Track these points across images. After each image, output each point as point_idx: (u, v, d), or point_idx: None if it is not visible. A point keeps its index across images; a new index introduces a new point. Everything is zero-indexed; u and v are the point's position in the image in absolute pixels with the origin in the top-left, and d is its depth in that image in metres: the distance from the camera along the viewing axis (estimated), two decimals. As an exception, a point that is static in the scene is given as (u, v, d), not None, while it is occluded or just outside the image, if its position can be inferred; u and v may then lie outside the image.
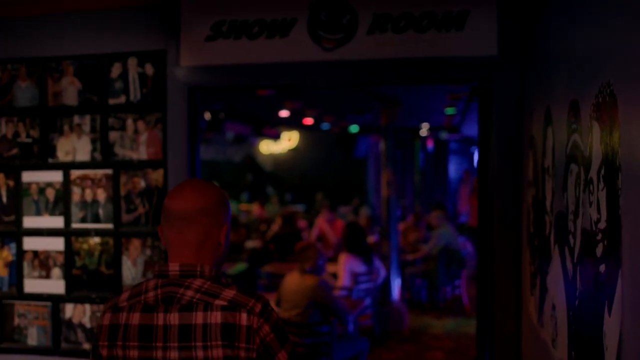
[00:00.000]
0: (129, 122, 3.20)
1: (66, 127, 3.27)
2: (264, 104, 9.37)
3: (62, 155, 3.28)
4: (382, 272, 6.95)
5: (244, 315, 1.50)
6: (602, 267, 1.40)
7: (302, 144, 16.23)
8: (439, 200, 13.58)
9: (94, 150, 3.25)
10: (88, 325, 3.26)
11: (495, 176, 2.95)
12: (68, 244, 3.29)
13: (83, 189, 3.27)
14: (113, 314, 1.58)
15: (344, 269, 6.36)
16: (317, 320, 4.59)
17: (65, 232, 3.29)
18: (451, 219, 12.62)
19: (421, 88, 7.13)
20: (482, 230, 3.17)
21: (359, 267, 6.43)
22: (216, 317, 1.49)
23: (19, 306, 3.33)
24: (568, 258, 1.79)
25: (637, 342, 1.20)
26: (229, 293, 1.53)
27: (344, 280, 6.34)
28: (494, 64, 2.89)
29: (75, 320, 3.28)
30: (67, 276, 3.29)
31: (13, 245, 3.33)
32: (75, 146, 3.27)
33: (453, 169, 17.62)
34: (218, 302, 1.51)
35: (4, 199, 3.34)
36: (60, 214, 3.30)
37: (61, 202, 3.29)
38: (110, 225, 3.24)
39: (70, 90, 3.26)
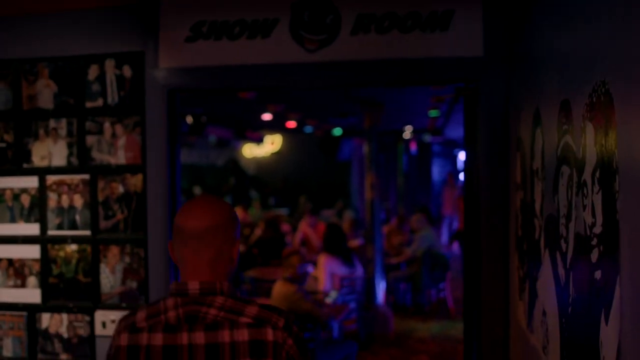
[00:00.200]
0: (107, 125, 3.11)
1: (41, 131, 3.17)
2: (246, 107, 9.28)
3: (37, 160, 3.18)
4: (359, 270, 6.89)
5: (270, 331, 1.52)
6: (598, 273, 1.35)
7: (285, 147, 16.15)
8: (423, 203, 13.57)
9: (70, 154, 3.15)
10: (65, 335, 3.16)
11: (481, 179, 2.90)
12: (44, 251, 3.19)
13: (59, 195, 3.17)
14: (131, 334, 1.56)
15: (324, 271, 6.30)
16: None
17: (41, 240, 3.19)
18: (435, 221, 12.61)
19: (404, 90, 7.09)
20: (468, 234, 3.12)
21: (340, 268, 6.38)
22: (243, 335, 1.51)
23: (-7, 316, 3.22)
24: (560, 263, 1.73)
25: (638, 351, 1.15)
26: (252, 310, 1.55)
27: (324, 282, 6.26)
28: (479, 64, 2.85)
29: (52, 331, 3.18)
30: (43, 285, 3.19)
31: (-13, 254, 3.23)
32: (51, 151, 3.17)
33: (436, 171, 17.64)
34: (243, 319, 1.53)
35: (-23, 206, 3.23)
36: (35, 221, 3.20)
37: (37, 209, 3.19)
38: (87, 232, 3.15)
39: (45, 93, 3.17)
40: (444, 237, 15.10)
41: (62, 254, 3.17)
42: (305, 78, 3.04)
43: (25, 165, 3.19)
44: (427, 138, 15.05)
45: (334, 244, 6.56)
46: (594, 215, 1.38)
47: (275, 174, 17.03)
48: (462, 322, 7.55)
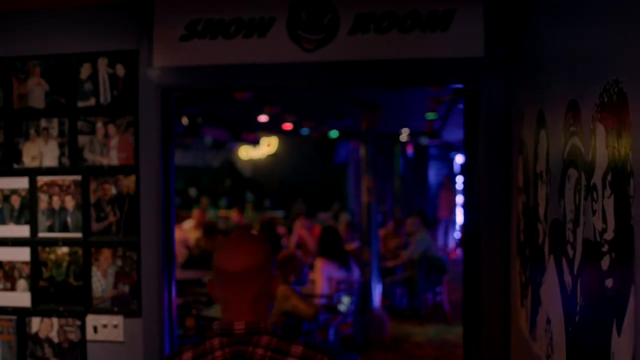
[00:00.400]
0: (99, 125, 3.04)
1: (32, 131, 3.10)
2: (242, 108, 9.22)
3: (28, 161, 3.11)
4: (356, 273, 6.83)
5: None
6: (610, 282, 1.28)
7: (282, 149, 16.09)
8: (420, 207, 13.52)
9: (61, 155, 3.08)
10: (55, 340, 3.09)
11: (482, 182, 2.84)
12: (34, 254, 3.11)
13: (50, 196, 3.09)
14: None
15: (321, 275, 6.23)
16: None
17: (32, 242, 3.12)
18: (431, 224, 12.56)
19: (402, 92, 7.03)
20: (468, 238, 3.06)
21: (336, 272, 6.31)
22: None
23: (-18, 320, 3.14)
24: (566, 269, 1.67)
25: (654, 366, 1.09)
26: (297, 349, 1.58)
27: (322, 287, 6.20)
28: (480, 65, 2.79)
29: (42, 335, 3.11)
30: (34, 288, 3.11)
31: (-25, 256, 3.15)
32: (42, 151, 3.10)
33: (433, 174, 17.60)
34: (290, 359, 1.56)
35: (-34, 207, 3.16)
36: (26, 223, 3.12)
37: (27, 210, 3.12)
38: (79, 235, 3.07)
39: (36, 92, 3.09)
40: (440, 240, 15.06)
41: (52, 256, 3.10)
42: (302, 78, 2.97)
43: (15, 166, 3.11)
44: (424, 141, 15.01)
45: (331, 247, 6.49)
46: (604, 221, 1.32)
47: (271, 176, 16.97)
48: (459, 326, 7.51)
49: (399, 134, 13.55)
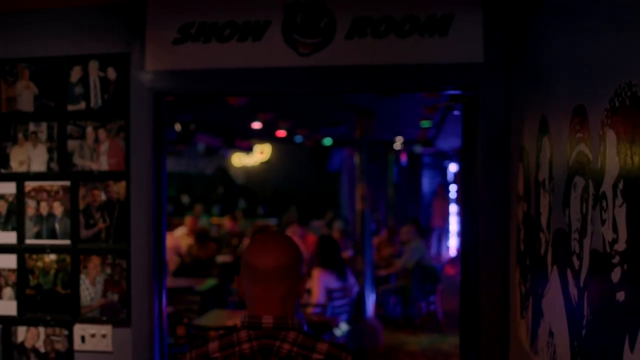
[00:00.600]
0: (89, 130, 2.97)
1: (20, 135, 3.02)
2: (235, 115, 9.16)
3: (15, 166, 3.03)
4: (355, 288, 6.74)
5: None
6: (621, 295, 1.22)
7: (275, 156, 16.02)
8: (413, 215, 13.47)
9: (50, 160, 3.00)
10: (42, 350, 3.01)
11: (480, 190, 2.78)
12: (21, 261, 3.03)
13: (38, 202, 3.02)
14: None
15: (318, 284, 6.14)
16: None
17: (18, 249, 3.04)
18: (425, 233, 12.50)
19: (397, 99, 6.98)
20: (465, 248, 3.00)
21: (333, 282, 6.21)
22: None
23: (-34, 329, 3.06)
24: (571, 281, 1.61)
25: (672, 385, 1.02)
26: (323, 346, 1.62)
27: (318, 296, 6.11)
28: (479, 70, 2.74)
29: (28, 345, 3.02)
30: (20, 296, 3.03)
31: (-40, 263, 3.06)
32: (30, 155, 3.02)
33: (426, 182, 17.56)
34: (315, 355, 1.60)
35: (-48, 213, 3.08)
36: (12, 229, 3.04)
37: (14, 216, 3.04)
38: (67, 242, 3.00)
39: (25, 95, 3.02)
40: (433, 249, 15.01)
41: (40, 264, 3.02)
42: (298, 83, 2.91)
43: (2, 171, 3.04)
44: (418, 149, 14.98)
45: (329, 257, 6.35)
46: (615, 231, 1.26)
47: (264, 184, 16.89)
48: (453, 335, 7.44)
49: (393, 142, 13.51)
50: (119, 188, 2.95)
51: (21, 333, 3.03)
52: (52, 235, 3.01)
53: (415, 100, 7.02)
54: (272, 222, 14.17)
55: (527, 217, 2.28)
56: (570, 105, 1.63)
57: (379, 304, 8.50)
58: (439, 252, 15.36)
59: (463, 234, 3.07)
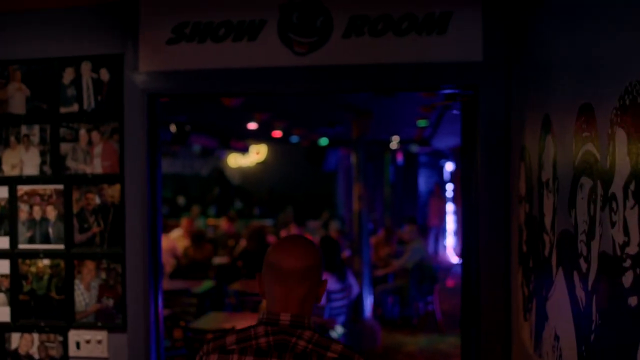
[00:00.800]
0: (82, 132, 2.92)
1: (12, 138, 2.97)
2: (231, 115, 9.10)
3: (7, 169, 2.98)
4: (355, 289, 6.69)
5: None
6: (633, 300, 1.18)
7: (271, 157, 15.97)
8: (411, 214, 13.43)
9: (43, 163, 2.95)
10: (36, 356, 2.95)
11: (480, 191, 2.74)
12: (14, 266, 2.98)
13: (31, 206, 2.96)
14: (221, 354, 1.68)
15: (319, 288, 6.08)
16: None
17: (11, 254, 2.98)
18: (422, 232, 12.47)
19: (394, 99, 6.94)
20: (466, 249, 2.95)
21: (333, 284, 6.16)
22: None
23: (-41, 336, 3.00)
24: (578, 284, 1.57)
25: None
26: (337, 347, 1.66)
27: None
28: (479, 69, 2.69)
29: (21, 351, 2.97)
30: (13, 302, 2.98)
31: (-48, 269, 3.01)
32: (22, 159, 2.97)
33: (423, 182, 17.53)
34: (330, 354, 1.64)
35: (-57, 218, 3.02)
36: (5, 234, 2.99)
37: (7, 221, 2.99)
38: (61, 246, 2.95)
39: (17, 97, 2.97)
40: (431, 248, 14.98)
41: (33, 269, 2.97)
42: (294, 83, 2.86)
43: (-6, 175, 2.98)
44: (414, 148, 14.94)
45: (329, 259, 6.27)
46: (626, 234, 1.22)
47: (260, 184, 16.84)
48: (452, 336, 7.41)
49: (389, 141, 13.47)
50: (113, 191, 2.90)
51: (15, 339, 2.98)
52: (46, 239, 2.96)
53: (412, 100, 6.98)
54: (268, 223, 14.13)
55: (529, 218, 2.23)
56: (576, 103, 1.59)
57: (376, 304, 8.45)
58: (436, 252, 15.33)
59: (463, 234, 3.03)
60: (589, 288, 1.47)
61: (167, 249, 8.37)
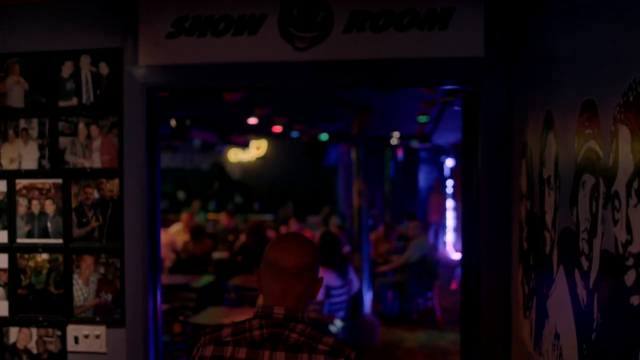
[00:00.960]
0: (81, 126, 2.90)
1: (11, 132, 2.95)
2: (231, 110, 9.08)
3: (6, 163, 2.96)
4: (356, 285, 6.67)
5: None
6: (636, 299, 1.17)
7: (271, 152, 15.95)
8: (411, 210, 13.42)
9: (42, 157, 2.94)
10: (34, 350, 2.94)
11: (481, 187, 2.72)
12: (12, 260, 2.96)
13: (29, 200, 2.95)
14: (217, 346, 1.75)
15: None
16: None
17: (10, 248, 2.97)
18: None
19: (394, 94, 6.92)
20: (466, 247, 2.94)
21: (334, 280, 6.14)
22: (320, 359, 1.68)
23: (-43, 330, 2.99)
24: (579, 282, 1.56)
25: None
26: (329, 340, 1.72)
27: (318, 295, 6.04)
28: (480, 65, 2.67)
29: (20, 346, 2.96)
30: (12, 296, 2.96)
31: (-50, 263, 3.00)
32: (21, 153, 2.95)
33: (423, 178, 17.52)
34: (321, 347, 1.69)
35: (-59, 211, 3.01)
36: (3, 228, 2.97)
37: (5, 215, 2.97)
38: (59, 241, 2.93)
39: (15, 90, 2.95)
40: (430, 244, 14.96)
41: (32, 263, 2.95)
42: (294, 78, 2.85)
43: (-7, 168, 2.97)
44: (415, 144, 14.93)
45: (330, 255, 6.24)
46: (629, 232, 1.20)
47: (260, 179, 16.83)
48: (451, 332, 7.40)
49: (390, 137, 13.46)
50: (112, 186, 2.89)
51: (13, 334, 2.97)
52: (44, 234, 2.94)
53: (413, 96, 6.96)
54: (267, 218, 14.12)
55: (530, 215, 2.22)
56: (579, 100, 1.57)
57: (376, 298, 8.45)
58: (436, 248, 15.32)
59: (463, 232, 3.01)
60: (591, 286, 1.46)
61: (167, 244, 8.36)
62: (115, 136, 2.88)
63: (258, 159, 16.20)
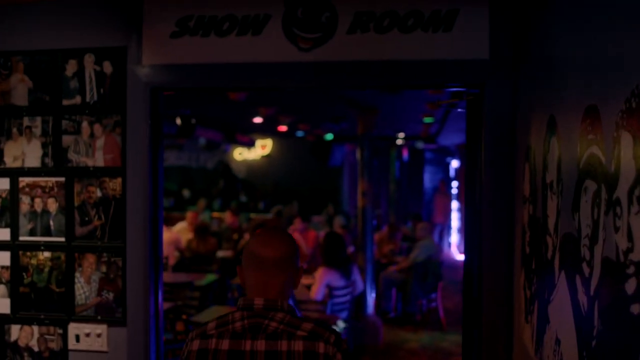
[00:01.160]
0: (85, 125, 2.90)
1: (14, 130, 2.96)
2: (236, 109, 9.09)
3: (9, 161, 2.97)
4: (360, 285, 6.65)
5: (322, 345, 1.76)
6: (636, 308, 1.16)
7: (276, 151, 15.95)
8: (415, 211, 13.40)
9: (45, 155, 2.94)
10: (36, 348, 2.95)
11: (484, 190, 2.71)
12: (15, 258, 2.97)
13: (32, 198, 2.95)
14: (202, 340, 1.82)
15: (320, 283, 6.06)
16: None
17: (12, 246, 2.97)
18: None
19: (399, 95, 6.91)
20: (468, 250, 2.93)
21: (337, 281, 6.12)
22: (299, 345, 1.75)
23: (-41, 327, 3.00)
24: (580, 289, 1.54)
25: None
26: (307, 325, 1.80)
27: (316, 293, 6.03)
28: (485, 67, 2.66)
29: (21, 343, 2.96)
30: (14, 294, 2.97)
31: (-47, 260, 3.00)
32: (24, 151, 2.95)
33: (428, 178, 17.49)
34: (299, 332, 1.77)
35: (-56, 208, 3.01)
36: (6, 226, 2.98)
37: (8, 213, 2.98)
38: (62, 239, 2.93)
39: (19, 88, 2.95)
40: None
41: (34, 261, 2.96)
42: (298, 79, 2.84)
43: (-4, 166, 2.97)
44: (420, 145, 14.90)
45: (334, 255, 6.22)
46: (630, 239, 1.19)
47: (265, 178, 16.83)
48: (454, 333, 7.39)
49: (395, 137, 13.44)
50: (114, 185, 2.89)
51: (15, 331, 2.97)
52: (47, 232, 2.95)
53: (418, 97, 6.95)
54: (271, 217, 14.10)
55: (533, 219, 2.21)
56: (582, 105, 1.56)
57: (379, 296, 8.45)
58: (440, 249, 15.29)
59: (466, 233, 3.00)
60: (591, 293, 1.45)
61: (171, 242, 8.37)
62: (119, 135, 2.88)
63: (263, 157, 16.21)
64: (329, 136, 12.83)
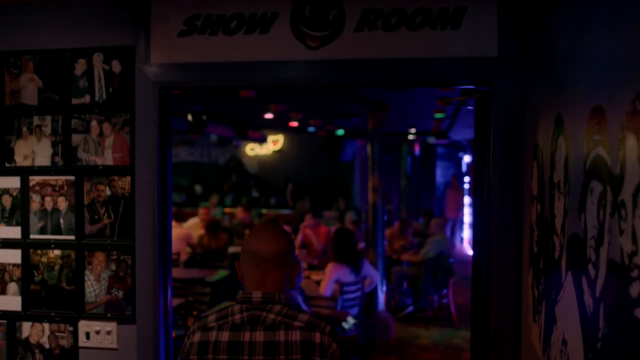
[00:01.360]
0: (94, 124, 2.92)
1: (25, 129, 2.98)
2: (247, 106, 9.10)
3: (20, 160, 2.99)
4: (375, 279, 6.60)
5: (318, 335, 1.84)
6: (640, 311, 1.15)
7: (288, 146, 15.95)
8: (426, 207, 13.36)
9: (54, 154, 2.96)
10: (47, 345, 2.97)
11: (492, 189, 2.70)
12: (26, 256, 3.00)
13: (43, 197, 2.98)
14: (203, 332, 1.90)
15: (329, 278, 6.06)
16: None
17: (23, 244, 3.00)
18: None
19: (410, 91, 6.89)
20: (477, 248, 2.92)
21: (347, 276, 6.12)
22: (295, 336, 1.83)
23: (-29, 324, 3.03)
24: (586, 290, 1.53)
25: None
26: (304, 317, 1.88)
27: (325, 289, 6.03)
28: (493, 65, 2.64)
29: (32, 340, 2.99)
30: (24, 292, 3.00)
31: (-35, 258, 3.03)
32: (34, 149, 2.98)
33: (440, 173, 17.43)
34: (297, 323, 1.85)
35: (-44, 207, 3.04)
36: (17, 224, 3.00)
37: (18, 211, 3.00)
38: (72, 237, 2.96)
39: (29, 88, 2.97)
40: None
41: (44, 259, 2.98)
42: (306, 77, 2.83)
43: (7, 165, 3.00)
44: (431, 140, 14.85)
45: (344, 251, 6.20)
46: (635, 242, 1.18)
47: (277, 174, 16.83)
48: (465, 330, 7.37)
49: (407, 133, 13.40)
50: (123, 183, 2.90)
51: (26, 329, 3.00)
52: (57, 230, 2.97)
53: (428, 93, 6.93)
54: (284, 212, 14.12)
55: (540, 218, 2.20)
56: (588, 105, 1.55)
57: (392, 290, 8.44)
58: (452, 244, 15.25)
59: (475, 233, 2.99)
60: (597, 295, 1.44)
61: (182, 237, 8.40)
62: (127, 134, 2.89)
63: (275, 152, 16.21)
64: (340, 132, 12.81)
